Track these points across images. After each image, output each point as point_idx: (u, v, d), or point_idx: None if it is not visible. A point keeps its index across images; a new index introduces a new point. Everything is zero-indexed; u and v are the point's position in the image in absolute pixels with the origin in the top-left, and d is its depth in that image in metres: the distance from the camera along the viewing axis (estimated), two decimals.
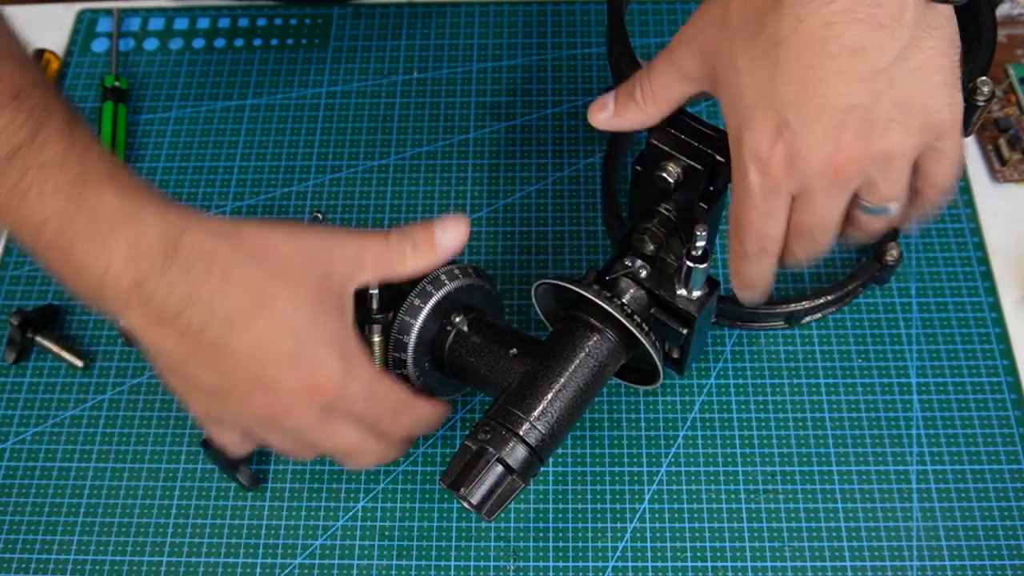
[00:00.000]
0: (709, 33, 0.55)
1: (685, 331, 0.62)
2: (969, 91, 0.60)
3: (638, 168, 0.63)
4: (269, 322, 0.52)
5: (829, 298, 0.74)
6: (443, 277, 0.63)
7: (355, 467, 0.66)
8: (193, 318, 0.50)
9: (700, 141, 0.60)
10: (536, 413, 0.59)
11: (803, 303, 0.74)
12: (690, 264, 0.59)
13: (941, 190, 0.57)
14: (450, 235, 0.58)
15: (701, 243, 0.58)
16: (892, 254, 0.74)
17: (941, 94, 0.52)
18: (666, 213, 0.63)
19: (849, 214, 0.57)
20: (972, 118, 0.62)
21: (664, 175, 0.60)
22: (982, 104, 0.61)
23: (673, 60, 0.58)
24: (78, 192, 0.49)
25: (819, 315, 0.75)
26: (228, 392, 0.54)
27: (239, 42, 0.92)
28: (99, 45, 0.92)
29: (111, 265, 0.50)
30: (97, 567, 0.68)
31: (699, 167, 0.59)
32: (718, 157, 0.59)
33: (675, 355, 0.66)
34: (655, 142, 0.61)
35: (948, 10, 0.51)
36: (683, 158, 0.60)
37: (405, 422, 0.60)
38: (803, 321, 0.75)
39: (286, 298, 0.52)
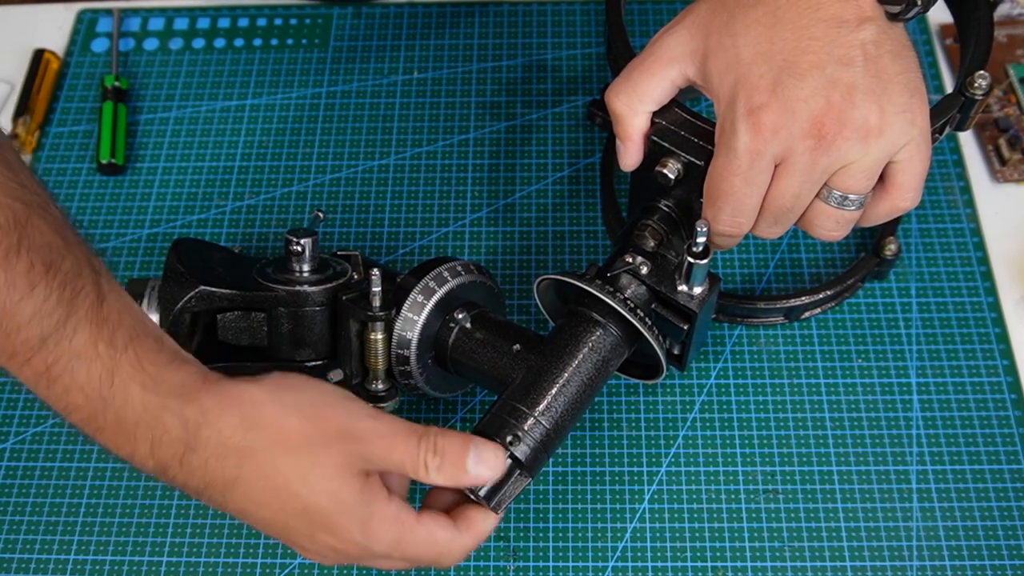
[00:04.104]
0: (702, 12, 0.58)
1: (686, 327, 0.62)
2: (966, 85, 0.61)
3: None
4: (283, 503, 0.54)
5: (828, 293, 0.74)
6: (446, 274, 0.63)
7: None
8: (212, 499, 0.54)
9: (699, 137, 0.60)
10: (541, 408, 0.59)
11: (802, 298, 0.74)
12: (691, 260, 0.59)
13: (906, 190, 0.58)
14: (483, 469, 0.56)
15: (702, 239, 0.58)
16: (890, 248, 0.74)
17: (913, 77, 0.56)
18: (666, 209, 0.63)
19: (808, 215, 0.59)
20: (970, 112, 0.62)
21: (664, 171, 0.61)
22: (979, 98, 0.61)
23: (656, 53, 0.60)
24: (107, 389, 0.51)
25: (818, 310, 0.75)
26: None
27: (239, 42, 0.92)
28: (99, 45, 0.92)
29: (135, 454, 0.53)
30: (97, 567, 0.68)
31: (699, 163, 0.60)
32: None
33: (676, 351, 0.66)
34: (655, 139, 0.61)
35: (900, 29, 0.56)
36: (683, 154, 0.60)
37: (441, 559, 0.58)
38: (802, 316, 0.75)
39: (299, 479, 0.53)
